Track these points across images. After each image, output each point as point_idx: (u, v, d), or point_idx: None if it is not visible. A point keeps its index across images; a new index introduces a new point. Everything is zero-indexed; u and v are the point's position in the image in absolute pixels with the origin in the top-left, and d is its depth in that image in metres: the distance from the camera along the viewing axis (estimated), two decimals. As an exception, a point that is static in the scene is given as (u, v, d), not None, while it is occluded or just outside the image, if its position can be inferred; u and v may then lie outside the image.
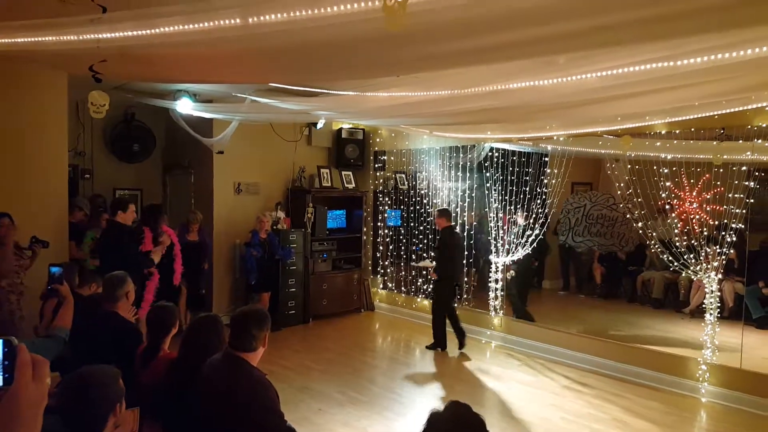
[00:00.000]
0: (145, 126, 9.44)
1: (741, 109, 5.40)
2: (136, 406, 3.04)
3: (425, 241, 9.81)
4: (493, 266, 8.63)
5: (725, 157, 6.78)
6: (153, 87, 7.80)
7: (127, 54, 3.83)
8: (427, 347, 8.15)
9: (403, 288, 10.15)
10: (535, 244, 8.36)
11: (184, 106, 7.65)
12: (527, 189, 8.41)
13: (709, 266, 6.70)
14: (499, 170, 8.54)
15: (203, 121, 8.32)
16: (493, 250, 8.61)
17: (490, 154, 8.74)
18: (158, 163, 9.92)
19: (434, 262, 8.45)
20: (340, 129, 10.37)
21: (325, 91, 6.52)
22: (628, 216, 8.78)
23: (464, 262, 8.80)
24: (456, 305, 8.32)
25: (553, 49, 3.51)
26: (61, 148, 6.58)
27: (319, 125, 9.49)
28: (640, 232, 7.83)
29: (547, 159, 9.08)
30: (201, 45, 3.53)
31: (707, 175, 7.25)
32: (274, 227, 8.97)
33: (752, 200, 6.46)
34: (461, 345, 8.04)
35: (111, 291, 4.14)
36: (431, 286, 8.67)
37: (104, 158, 9.23)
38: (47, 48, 3.85)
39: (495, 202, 8.55)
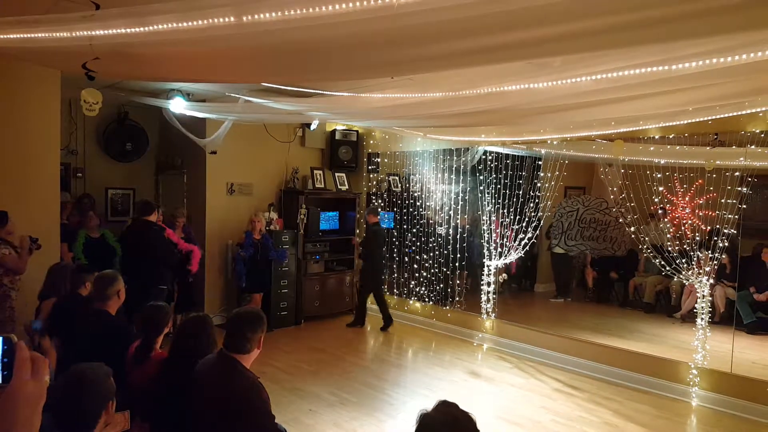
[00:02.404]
0: (138, 125, 9.41)
1: (735, 114, 5.41)
2: (127, 407, 3.02)
3: (418, 243, 9.80)
4: (485, 269, 8.63)
5: (718, 162, 6.80)
6: (146, 86, 7.76)
7: (120, 52, 3.80)
8: (348, 325, 9.43)
9: (395, 290, 10.14)
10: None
11: (177, 106, 7.59)
12: (520, 192, 8.42)
13: (701, 271, 6.71)
14: (493, 173, 8.54)
15: (196, 120, 8.29)
16: (486, 253, 8.61)
17: (483, 157, 8.74)
18: (151, 163, 9.87)
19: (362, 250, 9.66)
20: (334, 130, 10.36)
21: (319, 91, 6.50)
22: (620, 220, 8.79)
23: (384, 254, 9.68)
24: (385, 292, 9.75)
25: (548, 52, 3.50)
26: (53, 146, 6.52)
27: (313, 126, 9.47)
28: (633, 236, 7.84)
29: (540, 163, 9.10)
30: (194, 43, 3.49)
31: (700, 181, 7.28)
32: (267, 228, 8.94)
33: (745, 206, 6.48)
34: (385, 327, 9.28)
35: (102, 290, 4.13)
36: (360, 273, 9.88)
37: (97, 157, 9.19)
38: (40, 45, 3.81)
39: (488, 205, 8.55)
